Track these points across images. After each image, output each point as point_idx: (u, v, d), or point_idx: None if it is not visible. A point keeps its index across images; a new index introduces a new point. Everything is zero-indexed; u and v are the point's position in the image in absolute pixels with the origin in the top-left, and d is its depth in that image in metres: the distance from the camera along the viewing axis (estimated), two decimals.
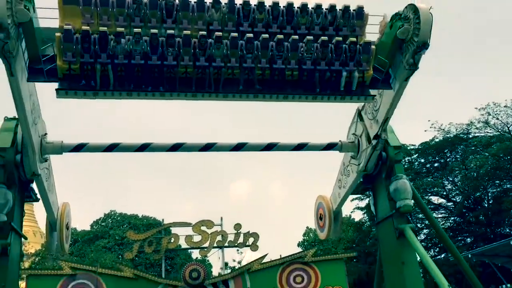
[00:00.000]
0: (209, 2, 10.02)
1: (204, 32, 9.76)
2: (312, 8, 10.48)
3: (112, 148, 11.96)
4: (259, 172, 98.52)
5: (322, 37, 10.23)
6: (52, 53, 9.46)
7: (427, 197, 33.57)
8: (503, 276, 24.32)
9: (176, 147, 12.16)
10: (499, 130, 32.54)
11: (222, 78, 10.18)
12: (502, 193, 31.49)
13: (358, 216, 40.64)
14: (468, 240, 33.42)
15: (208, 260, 39.68)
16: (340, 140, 13.28)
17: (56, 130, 12.84)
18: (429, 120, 34.37)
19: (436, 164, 35.16)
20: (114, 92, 9.90)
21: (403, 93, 10.92)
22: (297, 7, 10.40)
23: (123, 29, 9.45)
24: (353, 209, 38.32)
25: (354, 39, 10.46)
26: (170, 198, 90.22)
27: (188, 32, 9.64)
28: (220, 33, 9.75)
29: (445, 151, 34.11)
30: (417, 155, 34.99)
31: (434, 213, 33.22)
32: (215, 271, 39.16)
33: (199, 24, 10.02)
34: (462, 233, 34.04)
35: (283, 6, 10.32)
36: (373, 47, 10.51)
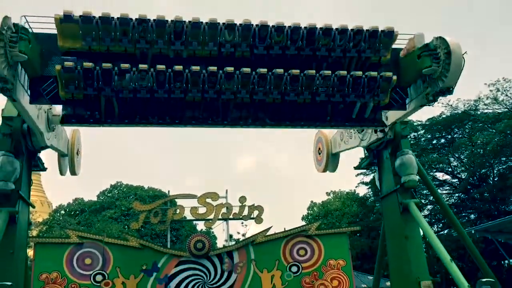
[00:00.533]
0: (222, 23, 9.28)
1: (215, 68, 9.17)
2: (336, 29, 9.69)
3: None
4: (265, 147, 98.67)
5: (340, 72, 9.65)
6: (54, 73, 9.14)
7: (432, 173, 33.50)
8: (506, 253, 24.42)
9: None
10: (508, 107, 32.12)
11: (231, 105, 9.97)
12: (507, 170, 31.32)
13: (362, 191, 40.91)
14: (472, 216, 33.45)
15: (213, 232, 40.22)
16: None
17: None
18: None
19: (442, 140, 34.88)
20: (120, 124, 9.98)
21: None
22: (320, 28, 9.58)
23: (128, 65, 8.90)
24: (358, 184, 38.50)
25: (375, 72, 9.89)
26: (176, 171, 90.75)
27: (197, 68, 9.11)
28: (231, 69, 9.20)
29: (452, 127, 33.77)
30: (423, 131, 34.71)
31: (439, 189, 33.17)
32: (220, 243, 39.74)
33: (210, 45, 9.40)
34: (466, 209, 34.04)
35: (304, 27, 9.51)
36: (394, 78, 9.96)
